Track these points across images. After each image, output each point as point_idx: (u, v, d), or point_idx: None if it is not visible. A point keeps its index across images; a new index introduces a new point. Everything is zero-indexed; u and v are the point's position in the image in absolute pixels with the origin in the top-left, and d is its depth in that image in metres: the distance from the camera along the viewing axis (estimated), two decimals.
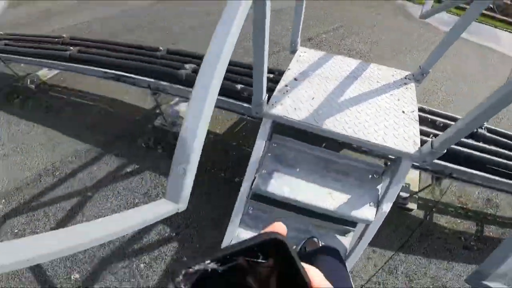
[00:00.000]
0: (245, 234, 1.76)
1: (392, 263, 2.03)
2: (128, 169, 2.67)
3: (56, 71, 3.57)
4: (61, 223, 2.31)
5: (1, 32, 3.36)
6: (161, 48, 2.50)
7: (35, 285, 2.05)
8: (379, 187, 1.59)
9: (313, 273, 0.24)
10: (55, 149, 2.82)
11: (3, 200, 2.43)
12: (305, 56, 1.93)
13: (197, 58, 2.34)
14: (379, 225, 1.51)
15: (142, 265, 2.10)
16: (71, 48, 2.67)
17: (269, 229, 0.26)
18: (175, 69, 2.19)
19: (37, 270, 2.11)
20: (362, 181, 1.61)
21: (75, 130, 2.93)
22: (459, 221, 2.23)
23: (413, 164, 1.71)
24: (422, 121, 1.69)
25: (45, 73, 3.57)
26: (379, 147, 1.42)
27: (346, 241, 1.71)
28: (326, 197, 1.56)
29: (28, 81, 3.44)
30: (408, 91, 1.65)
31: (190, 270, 0.23)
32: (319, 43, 3.91)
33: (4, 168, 2.67)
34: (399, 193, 2.13)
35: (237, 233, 1.75)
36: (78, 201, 2.41)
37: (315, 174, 1.65)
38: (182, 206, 0.84)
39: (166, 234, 2.21)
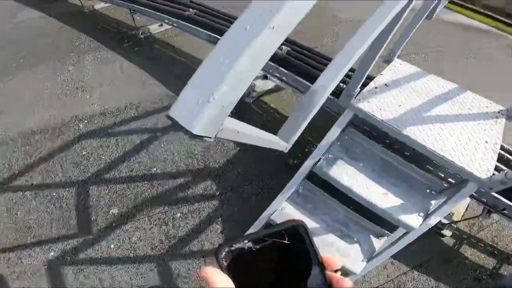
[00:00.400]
0: (289, 208, 1.93)
1: (404, 278, 2.09)
2: None
3: (163, 28, 4.12)
4: (126, 155, 2.55)
5: None
6: None
7: (72, 214, 2.22)
8: (432, 202, 1.67)
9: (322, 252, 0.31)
10: (144, 89, 3.29)
11: (85, 121, 2.80)
12: (400, 67, 2.03)
13: (290, 43, 2.55)
14: (419, 234, 1.60)
15: (178, 215, 2.27)
16: (190, 10, 3.06)
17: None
18: None
19: (82, 197, 2.30)
20: (419, 193, 1.70)
21: (165, 77, 3.38)
22: (483, 256, 2.21)
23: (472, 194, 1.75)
24: (499, 158, 1.70)
25: (155, 28, 4.15)
26: (452, 165, 1.50)
27: (377, 243, 1.81)
28: (381, 196, 1.69)
29: (140, 31, 4.07)
30: (496, 125, 1.68)
31: (232, 248, 0.28)
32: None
33: (97, 95, 3.19)
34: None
35: (282, 206, 1.93)
36: (147, 138, 2.68)
37: (376, 173, 1.77)
38: (288, 146, 1.03)
39: (211, 191, 2.41)
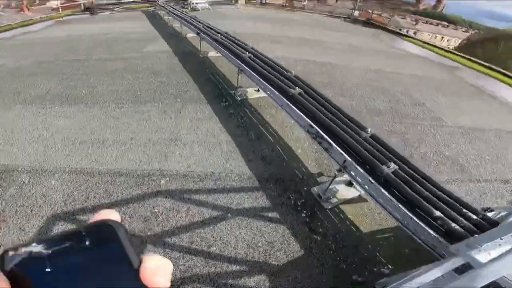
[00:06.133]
0: None
1: None
2: None
3: (260, 95, 4.46)
4: (191, 226, 2.52)
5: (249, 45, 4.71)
6: (369, 130, 2.55)
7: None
8: None
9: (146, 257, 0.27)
10: (227, 162, 3.31)
11: (167, 179, 2.89)
12: None
13: (401, 161, 2.25)
14: None
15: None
16: (296, 88, 3.08)
17: (99, 217, 0.29)
18: (378, 160, 2.17)
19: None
20: None
21: (249, 153, 3.43)
22: None
23: None
24: None
25: (252, 93, 4.60)
26: None
27: None
28: None
29: (238, 93, 4.39)
30: None
31: (15, 252, 0.24)
32: None
33: (186, 152, 3.37)
34: None
35: None
36: (217, 215, 2.61)
37: None
38: None
39: None
